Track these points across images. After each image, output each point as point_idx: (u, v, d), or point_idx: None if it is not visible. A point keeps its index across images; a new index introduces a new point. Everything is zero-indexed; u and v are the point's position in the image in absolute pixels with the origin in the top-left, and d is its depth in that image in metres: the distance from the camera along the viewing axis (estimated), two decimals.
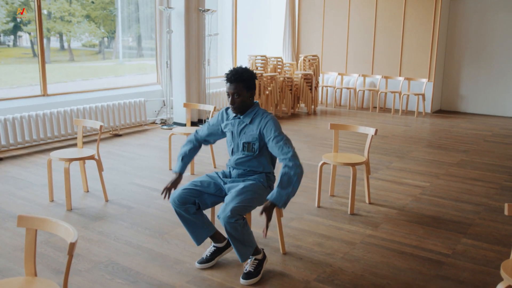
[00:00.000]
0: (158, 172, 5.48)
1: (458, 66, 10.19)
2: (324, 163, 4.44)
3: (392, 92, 9.77)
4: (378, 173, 5.57)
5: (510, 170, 5.88)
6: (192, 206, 3.09)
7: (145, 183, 5.04)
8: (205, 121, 8.27)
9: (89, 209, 4.29)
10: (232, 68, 3.12)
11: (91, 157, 4.36)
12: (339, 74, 10.71)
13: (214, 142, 3.44)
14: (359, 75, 10.50)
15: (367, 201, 4.59)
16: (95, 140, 6.83)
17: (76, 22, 9.00)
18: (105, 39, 10.00)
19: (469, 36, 9.96)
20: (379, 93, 9.95)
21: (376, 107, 10.33)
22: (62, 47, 9.64)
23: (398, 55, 10.12)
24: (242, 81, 3.05)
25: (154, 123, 8.26)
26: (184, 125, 8.02)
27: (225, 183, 3.19)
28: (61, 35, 9.36)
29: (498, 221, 4.19)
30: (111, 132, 7.38)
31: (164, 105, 8.46)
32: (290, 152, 2.95)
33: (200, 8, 7.89)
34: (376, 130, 4.34)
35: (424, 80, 9.70)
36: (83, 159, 4.32)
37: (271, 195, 2.88)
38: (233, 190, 3.04)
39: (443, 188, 5.11)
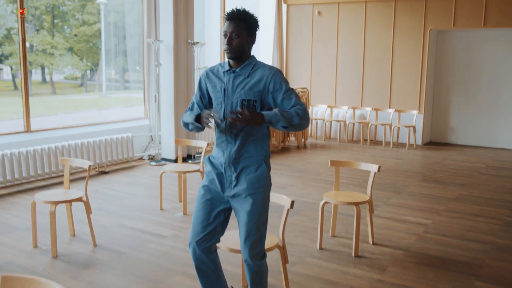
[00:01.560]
0: (149, 212, 5.21)
1: (447, 97, 10.19)
2: (326, 202, 4.23)
3: (382, 124, 9.69)
4: (378, 210, 5.38)
5: (511, 204, 5.74)
6: (215, 253, 2.78)
7: (136, 225, 4.77)
8: (194, 157, 8.04)
9: (76, 255, 4.00)
10: (231, 8, 2.72)
11: (79, 199, 4.10)
12: (328, 106, 10.63)
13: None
14: (348, 108, 10.42)
15: (370, 241, 4.38)
16: (81, 178, 6.55)
17: (59, 55, 8.85)
18: (88, 71, 9.83)
19: (457, 68, 10.00)
20: (369, 125, 9.86)
21: (366, 140, 10.22)
22: (44, 80, 9.45)
23: (387, 87, 10.09)
24: (244, 20, 2.62)
25: (141, 159, 8.01)
26: (173, 161, 7.79)
27: (226, 201, 2.73)
28: (43, 68, 9.18)
29: (509, 261, 4.00)
30: (97, 169, 7.10)
31: (152, 140, 8.23)
32: (302, 105, 2.59)
33: (189, 41, 7.77)
34: (379, 167, 4.17)
35: (415, 112, 9.65)
36: (70, 201, 4.06)
37: (267, 112, 2.53)
38: (241, 222, 2.68)
39: (446, 225, 4.93)
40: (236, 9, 2.65)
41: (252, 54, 2.75)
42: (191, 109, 2.86)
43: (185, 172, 5.14)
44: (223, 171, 2.73)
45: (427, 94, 9.86)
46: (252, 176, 2.68)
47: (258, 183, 2.68)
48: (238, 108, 2.56)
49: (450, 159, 8.56)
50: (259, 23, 2.73)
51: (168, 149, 7.87)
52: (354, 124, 10.36)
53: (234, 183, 2.70)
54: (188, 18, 7.80)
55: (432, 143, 10.22)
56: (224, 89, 2.68)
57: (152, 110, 8.15)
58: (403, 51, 9.86)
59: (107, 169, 7.16)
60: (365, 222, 4.84)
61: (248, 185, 2.66)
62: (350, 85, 10.49)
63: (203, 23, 9.62)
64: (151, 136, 8.25)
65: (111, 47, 8.52)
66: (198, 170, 5.23)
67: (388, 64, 10.04)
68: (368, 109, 10.14)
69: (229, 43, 2.62)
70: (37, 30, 8.65)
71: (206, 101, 2.83)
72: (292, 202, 3.04)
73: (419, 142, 9.93)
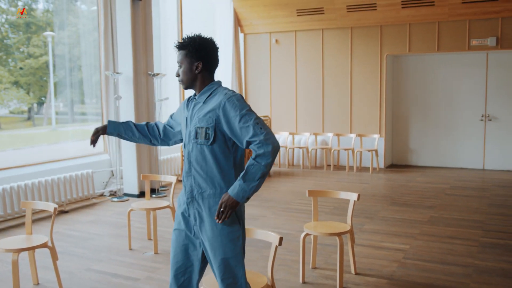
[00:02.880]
0: (117, 253, 4.90)
1: (406, 120, 10.37)
2: (307, 234, 4.09)
3: (345, 149, 9.72)
4: (355, 238, 5.27)
5: (482, 224, 5.78)
6: None
7: (105, 268, 4.46)
8: (158, 191, 7.76)
9: None
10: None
11: (44, 245, 3.78)
12: (290, 133, 10.60)
13: (170, 141, 2.87)
14: (310, 134, 10.43)
15: (353, 271, 4.26)
16: (41, 220, 6.14)
17: (4, 88, 8.47)
18: (35, 105, 9.45)
19: (414, 91, 10.23)
20: (332, 151, 9.88)
21: (330, 165, 10.22)
22: None
23: (347, 111, 10.17)
24: (184, 47, 2.54)
25: (102, 195, 7.65)
26: (136, 196, 7.48)
27: (196, 240, 2.58)
28: None
29: (493, 284, 3.96)
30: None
31: (113, 175, 7.90)
32: (262, 134, 2.33)
33: (149, 72, 7.57)
34: (359, 195, 4.09)
35: (376, 136, 9.75)
36: (34, 248, 3.74)
37: (233, 189, 2.36)
38: (213, 266, 2.50)
39: (424, 249, 4.88)
40: (182, 38, 2.60)
41: (217, 79, 2.63)
42: (162, 124, 2.89)
43: (155, 209, 4.89)
44: (186, 207, 2.59)
45: (387, 117, 10.01)
46: (215, 203, 2.50)
47: (224, 223, 2.49)
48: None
49: (414, 181, 8.64)
50: (210, 44, 2.57)
51: (130, 184, 7.56)
52: (316, 150, 10.36)
53: (197, 221, 2.54)
54: (147, 49, 7.63)
55: (394, 166, 10.33)
56: (186, 118, 2.61)
57: (112, 144, 7.85)
58: (362, 76, 10.00)
59: (67, 208, 6.78)
60: (345, 252, 4.72)
61: (212, 227, 2.48)
62: (311, 111, 10.52)
63: (159, 53, 9.45)
64: (112, 171, 7.92)
65: (60, 80, 8.21)
66: (168, 206, 4.99)
67: (347, 89, 10.15)
68: (330, 134, 10.17)
69: (177, 74, 2.62)
70: None
71: (174, 124, 2.83)
72: (281, 239, 2.88)
73: (382, 165, 10.02)
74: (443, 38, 9.28)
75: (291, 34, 10.53)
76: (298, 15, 10.16)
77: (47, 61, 8.44)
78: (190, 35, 2.56)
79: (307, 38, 10.42)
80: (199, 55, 2.54)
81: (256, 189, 2.37)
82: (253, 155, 2.36)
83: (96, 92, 8.29)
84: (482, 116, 9.73)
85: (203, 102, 2.54)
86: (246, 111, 2.41)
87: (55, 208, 3.79)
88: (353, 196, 4.10)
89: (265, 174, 2.34)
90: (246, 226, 2.87)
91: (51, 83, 8.33)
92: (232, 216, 2.49)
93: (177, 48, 2.59)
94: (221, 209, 2.37)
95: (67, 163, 7.32)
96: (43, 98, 9.28)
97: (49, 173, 6.80)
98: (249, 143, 2.37)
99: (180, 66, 2.57)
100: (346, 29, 10.02)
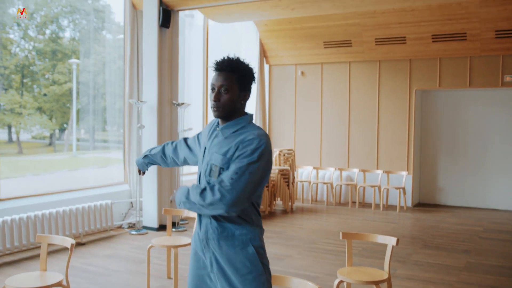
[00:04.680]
0: None
1: (434, 158, 10.01)
2: (341, 281, 3.77)
3: (371, 186, 9.38)
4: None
5: None
6: None
7: None
8: (178, 224, 7.49)
9: None
10: (222, 57, 2.24)
11: (58, 284, 3.52)
12: (314, 168, 10.30)
13: (180, 162, 2.70)
14: (335, 169, 10.11)
15: None
16: (56, 252, 5.90)
17: (27, 114, 8.42)
18: (57, 131, 9.39)
19: (443, 128, 9.89)
20: (357, 187, 9.53)
21: (355, 202, 9.85)
22: (10, 139, 8.94)
23: (374, 147, 9.86)
24: (236, 71, 2.18)
25: (120, 227, 7.40)
26: (156, 229, 7.22)
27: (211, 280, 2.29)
28: (9, 127, 8.71)
29: None
30: None
31: (132, 206, 7.66)
32: (228, 184, 2.07)
33: (174, 101, 7.41)
34: (398, 240, 3.76)
35: (404, 173, 9.39)
36: (48, 287, 3.48)
37: (183, 189, 2.21)
38: None
39: None
40: (227, 58, 2.21)
41: (247, 112, 2.32)
42: (173, 143, 2.71)
43: (176, 247, 4.61)
44: (201, 248, 2.29)
45: (415, 154, 9.66)
46: (236, 259, 2.18)
47: (245, 268, 2.17)
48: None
49: (444, 221, 8.24)
50: (255, 75, 2.30)
51: (150, 216, 7.31)
52: (341, 186, 10.02)
53: (214, 268, 2.24)
54: (173, 77, 7.49)
55: (421, 205, 9.92)
56: (204, 148, 2.34)
57: (133, 175, 7.64)
58: (389, 111, 9.72)
59: (84, 240, 6.54)
60: None
61: (232, 273, 2.18)
62: (336, 146, 10.24)
63: (183, 82, 9.32)
64: (131, 203, 7.69)
65: (83, 107, 8.11)
66: (190, 244, 4.71)
67: (374, 123, 9.86)
68: (355, 170, 9.85)
69: (216, 99, 2.20)
70: (5, 90, 8.22)
71: (192, 150, 2.60)
72: None
73: (409, 204, 9.62)
74: (475, 74, 8.99)
75: (317, 66, 10.35)
76: (325, 47, 9.99)
77: (70, 88, 8.39)
78: (236, 57, 2.23)
79: (333, 71, 10.22)
80: (248, 84, 2.26)
81: (186, 206, 2.18)
82: (212, 184, 2.12)
83: (118, 120, 8.15)
84: None
85: (225, 137, 2.23)
86: (254, 161, 2.10)
87: (72, 244, 3.54)
88: (391, 241, 3.78)
89: (195, 207, 2.15)
90: (272, 268, 2.57)
91: (74, 109, 8.25)
92: (251, 258, 2.19)
93: (224, 70, 2.20)
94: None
95: (86, 192, 7.11)
96: (65, 125, 9.22)
97: (67, 203, 6.59)
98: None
99: (226, 91, 2.18)
100: (374, 62, 9.81)
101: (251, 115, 2.32)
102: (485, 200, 9.60)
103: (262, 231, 2.29)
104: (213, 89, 2.22)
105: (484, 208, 9.53)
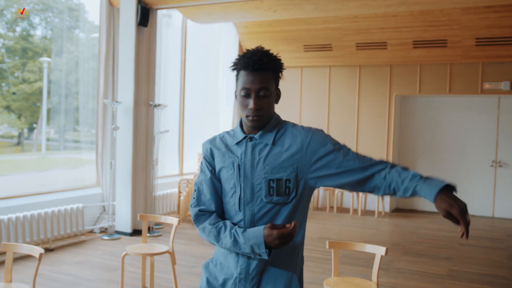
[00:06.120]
0: None
1: (412, 163, 9.97)
2: None
3: (349, 191, 9.25)
4: None
5: (507, 281, 5.30)
6: None
7: None
8: (152, 229, 7.21)
9: None
10: (246, 51, 1.82)
11: None
12: None
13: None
14: None
15: None
16: (24, 259, 5.57)
17: None
18: (25, 130, 9.06)
19: (422, 133, 9.87)
20: (335, 192, 9.41)
21: (333, 207, 9.73)
22: None
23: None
24: (274, 68, 1.82)
25: (92, 232, 7.09)
26: (129, 234, 6.93)
27: None
28: None
29: None
30: (41, 246, 6.13)
31: (105, 210, 7.36)
32: (373, 159, 1.82)
33: (150, 102, 7.15)
34: (387, 250, 3.61)
35: None
36: None
37: (437, 184, 1.68)
38: None
39: None
40: (262, 53, 1.80)
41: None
42: (198, 201, 1.91)
43: (152, 255, 4.37)
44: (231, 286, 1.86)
45: (394, 159, 9.60)
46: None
47: None
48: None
49: (423, 227, 8.17)
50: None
51: (123, 221, 7.02)
52: (319, 190, 9.89)
53: None
54: (150, 78, 7.23)
55: (398, 210, 9.86)
56: (239, 165, 1.84)
57: (106, 177, 7.35)
58: (369, 116, 9.64)
59: (52, 246, 6.21)
60: None
61: None
62: None
63: (159, 83, 9.05)
64: (104, 206, 7.38)
65: (54, 106, 7.79)
66: (167, 252, 4.47)
67: (353, 128, 9.77)
68: None
69: (257, 106, 1.79)
70: None
71: (219, 185, 1.92)
72: None
73: (387, 209, 9.55)
74: (455, 80, 8.98)
75: (297, 70, 10.21)
76: (305, 51, 9.86)
77: (41, 87, 8.07)
78: (265, 50, 1.83)
79: (313, 75, 10.10)
80: (278, 79, 1.89)
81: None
82: (390, 169, 1.78)
83: (91, 121, 7.84)
84: (493, 162, 9.35)
85: (272, 143, 1.84)
86: (335, 142, 1.91)
87: (40, 254, 3.27)
88: (380, 250, 3.62)
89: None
90: None
91: (44, 109, 7.92)
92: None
93: (263, 69, 1.79)
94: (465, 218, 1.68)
95: (55, 195, 6.77)
96: (34, 124, 8.89)
97: (36, 206, 6.25)
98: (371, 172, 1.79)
99: (266, 95, 1.81)
100: (354, 67, 9.72)
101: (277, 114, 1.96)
102: None
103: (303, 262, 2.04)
104: (247, 94, 1.81)
105: None
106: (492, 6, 7.92)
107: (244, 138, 1.89)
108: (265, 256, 1.72)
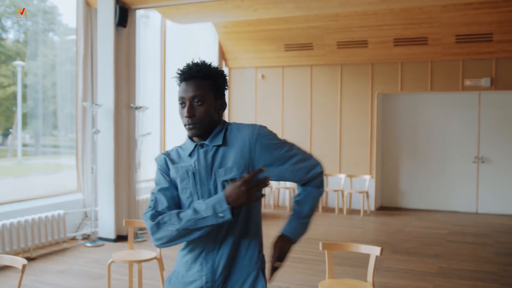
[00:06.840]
0: None
1: (395, 161, 9.99)
2: None
3: (334, 190, 9.22)
4: None
5: (497, 277, 5.30)
6: None
7: None
8: (136, 234, 7.04)
9: None
10: (187, 64, 1.89)
11: None
12: None
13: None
14: None
15: None
16: (4, 269, 5.35)
17: None
18: (0, 136, 8.81)
19: (405, 131, 9.89)
20: None
21: (318, 207, 9.67)
22: None
23: (336, 151, 9.73)
24: (209, 77, 1.84)
25: (74, 239, 6.89)
26: (113, 240, 6.75)
27: None
28: None
29: None
30: (21, 255, 5.92)
31: (87, 217, 7.16)
32: (317, 166, 1.98)
33: (131, 105, 6.98)
34: (382, 250, 3.55)
35: (367, 177, 9.29)
36: None
37: (287, 228, 2.05)
38: None
39: None
40: (193, 63, 1.86)
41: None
42: (154, 207, 1.86)
43: (139, 262, 4.23)
44: None
45: (377, 157, 9.59)
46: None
47: None
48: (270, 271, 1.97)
49: (409, 225, 8.17)
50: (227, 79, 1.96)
51: (106, 227, 6.84)
52: None
53: None
54: (130, 80, 7.06)
55: (384, 208, 9.86)
56: (193, 173, 1.86)
57: (87, 182, 7.15)
58: (351, 115, 9.62)
59: (34, 255, 6.00)
60: None
61: None
62: None
63: (139, 85, 8.88)
64: (85, 212, 7.19)
65: (29, 111, 7.57)
66: (155, 258, 4.34)
67: (336, 127, 9.73)
68: None
69: (190, 113, 1.82)
70: None
71: (176, 193, 1.92)
72: None
73: (372, 207, 9.54)
74: (436, 78, 9.02)
75: (278, 69, 10.14)
76: (286, 50, 9.80)
77: (15, 91, 7.84)
78: (202, 61, 1.87)
79: (295, 74, 10.04)
80: (222, 90, 1.91)
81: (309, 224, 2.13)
82: (312, 184, 2.06)
83: (70, 125, 7.63)
84: (475, 158, 9.42)
85: (221, 145, 1.87)
86: (285, 144, 1.96)
87: (24, 265, 3.10)
88: (375, 251, 3.56)
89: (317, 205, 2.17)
90: None
91: (19, 113, 7.68)
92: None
93: (194, 77, 1.84)
94: (277, 263, 1.95)
95: (35, 202, 6.55)
96: (10, 130, 8.64)
97: (14, 214, 6.03)
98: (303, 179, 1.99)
99: (200, 102, 1.82)
100: (335, 66, 9.69)
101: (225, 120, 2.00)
102: (447, 203, 9.63)
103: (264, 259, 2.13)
104: (182, 103, 1.84)
105: (446, 211, 9.57)
106: (472, 3, 7.97)
107: (195, 147, 1.90)
108: (228, 215, 1.70)
